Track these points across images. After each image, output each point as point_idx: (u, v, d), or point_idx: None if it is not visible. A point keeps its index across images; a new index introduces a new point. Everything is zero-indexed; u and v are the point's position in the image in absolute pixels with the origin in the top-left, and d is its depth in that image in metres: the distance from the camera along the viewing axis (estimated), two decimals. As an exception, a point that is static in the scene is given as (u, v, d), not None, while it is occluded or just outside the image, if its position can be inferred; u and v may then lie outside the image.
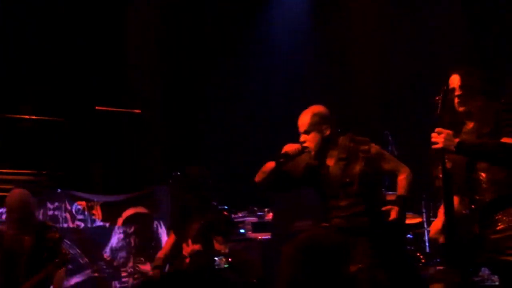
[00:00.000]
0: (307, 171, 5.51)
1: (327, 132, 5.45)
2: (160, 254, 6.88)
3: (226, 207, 7.56)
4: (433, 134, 4.34)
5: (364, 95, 9.68)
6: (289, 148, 5.41)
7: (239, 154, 9.96)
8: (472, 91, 4.58)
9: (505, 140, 4.29)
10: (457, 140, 4.30)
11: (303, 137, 5.46)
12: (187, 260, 6.57)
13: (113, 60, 10.34)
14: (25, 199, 6.52)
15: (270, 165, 5.44)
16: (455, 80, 4.66)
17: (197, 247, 6.55)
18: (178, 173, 7.27)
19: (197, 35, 10.85)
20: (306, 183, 5.63)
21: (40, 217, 8.23)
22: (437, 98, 4.46)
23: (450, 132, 4.32)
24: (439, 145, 4.32)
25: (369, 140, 5.50)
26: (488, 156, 4.35)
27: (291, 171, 5.51)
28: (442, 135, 4.31)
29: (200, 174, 6.92)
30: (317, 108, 5.54)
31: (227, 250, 6.75)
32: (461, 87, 4.61)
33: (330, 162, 5.46)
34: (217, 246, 6.67)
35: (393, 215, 5.27)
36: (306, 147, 5.43)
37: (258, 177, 5.52)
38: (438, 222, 4.68)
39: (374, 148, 5.46)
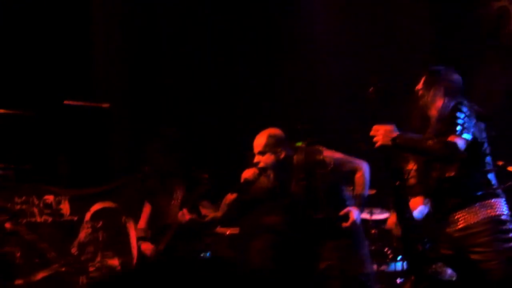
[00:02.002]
0: (268, 195, 5.58)
1: (282, 155, 5.50)
2: (141, 225, 6.88)
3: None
4: (372, 132, 4.38)
5: (333, 93, 9.71)
6: (247, 174, 5.47)
7: (207, 150, 9.95)
8: (431, 87, 4.64)
9: (451, 138, 4.33)
10: (394, 134, 4.34)
11: (257, 158, 5.52)
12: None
13: (81, 53, 10.27)
14: None
15: (231, 197, 5.51)
16: (421, 79, 4.73)
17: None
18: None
19: (165, 27, 10.81)
20: (269, 202, 5.70)
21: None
22: (370, 90, 4.50)
23: (388, 127, 4.36)
24: (379, 143, 4.36)
25: (321, 149, 5.54)
26: (425, 152, 4.40)
27: (252, 197, 5.58)
28: (380, 132, 4.35)
29: (177, 134, 6.90)
30: (274, 131, 5.60)
31: (217, 214, 6.71)
32: (423, 83, 4.67)
33: (290, 184, 5.52)
34: (204, 211, 6.61)
35: (352, 217, 5.31)
36: (262, 168, 5.48)
37: (221, 211, 5.60)
38: (394, 216, 4.75)
39: (328, 157, 5.50)
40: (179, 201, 6.67)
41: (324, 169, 5.42)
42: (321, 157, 5.47)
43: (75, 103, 8.22)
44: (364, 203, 5.46)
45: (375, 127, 4.38)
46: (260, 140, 5.54)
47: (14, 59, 9.76)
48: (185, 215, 6.36)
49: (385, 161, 4.43)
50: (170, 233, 6.57)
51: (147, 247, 6.69)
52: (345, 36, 9.57)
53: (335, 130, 8.48)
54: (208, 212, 6.63)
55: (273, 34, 10.29)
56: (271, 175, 5.51)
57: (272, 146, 5.51)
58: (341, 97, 9.43)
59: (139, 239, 6.84)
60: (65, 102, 8.18)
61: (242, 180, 5.49)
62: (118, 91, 10.25)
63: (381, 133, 4.35)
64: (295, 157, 5.53)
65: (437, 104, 4.64)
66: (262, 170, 5.49)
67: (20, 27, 9.86)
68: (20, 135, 9.10)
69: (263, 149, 5.51)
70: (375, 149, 4.38)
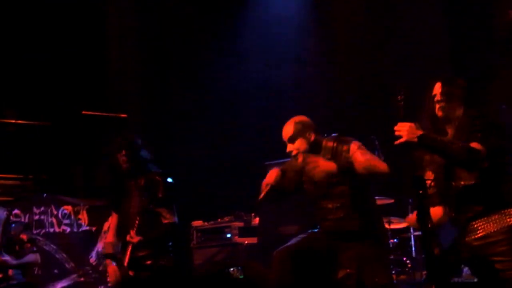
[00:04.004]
0: (298, 178, 5.59)
1: (312, 138, 5.52)
2: (109, 238, 6.75)
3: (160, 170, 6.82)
4: (396, 128, 4.37)
5: (349, 99, 9.70)
6: (268, 180, 5.47)
7: (226, 158, 9.96)
8: (452, 98, 4.63)
9: (473, 145, 4.33)
10: (420, 132, 4.33)
11: (289, 147, 5.53)
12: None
13: (99, 64, 10.33)
14: None
15: (267, 184, 5.50)
16: (437, 87, 4.71)
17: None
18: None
19: (181, 38, 10.85)
20: (300, 189, 5.70)
21: (26, 221, 8.23)
22: (398, 98, 4.49)
23: (412, 124, 4.36)
24: (403, 138, 4.35)
25: (352, 139, 5.53)
26: (449, 155, 4.38)
27: (286, 187, 5.60)
28: (405, 128, 4.34)
29: (134, 136, 6.80)
30: (299, 117, 5.63)
31: (175, 219, 6.57)
32: (441, 93, 4.66)
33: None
34: (164, 220, 6.53)
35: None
36: (294, 156, 5.49)
37: (261, 196, 5.59)
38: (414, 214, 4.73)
39: (354, 146, 5.49)
40: (136, 203, 6.55)
41: (347, 154, 5.41)
42: (347, 146, 5.47)
43: (92, 113, 8.26)
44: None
45: (400, 123, 4.37)
46: (288, 129, 5.58)
47: (32, 71, 9.82)
48: (133, 238, 6.34)
49: (410, 166, 4.43)
50: (129, 250, 6.45)
51: (112, 270, 6.53)
52: (361, 45, 9.57)
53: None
54: (169, 219, 6.53)
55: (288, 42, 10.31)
56: (301, 158, 5.52)
57: (300, 131, 5.53)
58: (358, 107, 9.42)
59: (106, 256, 6.68)
60: (83, 112, 8.23)
61: (264, 186, 5.49)
62: (135, 101, 10.29)
63: (406, 129, 4.34)
64: (324, 141, 5.54)
65: (456, 113, 4.63)
66: (294, 157, 5.52)
67: (38, 39, 9.93)
68: (38, 146, 9.14)
69: (293, 135, 5.53)
70: (398, 145, 4.36)
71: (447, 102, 4.65)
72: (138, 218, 6.39)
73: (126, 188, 6.61)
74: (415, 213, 4.71)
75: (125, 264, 6.38)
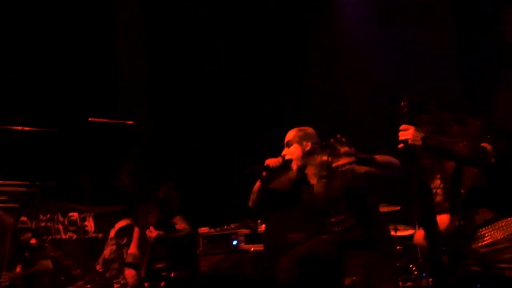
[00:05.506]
0: (293, 188, 5.58)
1: (308, 147, 5.51)
2: (131, 249, 6.83)
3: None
4: (400, 133, 4.36)
5: (354, 108, 9.69)
6: (270, 161, 5.47)
7: (232, 166, 9.95)
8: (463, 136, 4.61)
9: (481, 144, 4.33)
10: (423, 134, 4.32)
11: (285, 150, 5.54)
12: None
13: (106, 71, 10.33)
14: None
15: (257, 185, 5.52)
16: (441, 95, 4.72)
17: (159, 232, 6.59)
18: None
19: (189, 46, 10.86)
20: (294, 200, 5.68)
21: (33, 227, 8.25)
22: (402, 104, 4.49)
23: (415, 128, 4.35)
24: (408, 141, 4.34)
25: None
26: (455, 154, 4.36)
27: (278, 189, 5.58)
28: (409, 131, 4.34)
29: (138, 158, 6.91)
30: (305, 127, 5.63)
31: (188, 227, 6.66)
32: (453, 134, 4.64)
33: (313, 180, 5.52)
34: (178, 226, 6.61)
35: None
36: (287, 160, 5.49)
37: (250, 201, 5.61)
38: (421, 230, 4.73)
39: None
40: (154, 214, 6.67)
41: (342, 167, 5.38)
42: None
43: (99, 120, 8.27)
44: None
45: (403, 126, 4.36)
46: (290, 133, 5.60)
47: (39, 77, 9.83)
48: (152, 232, 6.43)
49: (414, 172, 4.42)
50: (145, 258, 6.54)
51: (130, 275, 6.62)
52: (370, 50, 9.55)
53: (360, 145, 8.45)
54: (182, 227, 6.62)
55: (298, 49, 10.31)
56: (295, 167, 5.52)
57: (299, 138, 5.54)
58: (366, 113, 9.41)
59: (125, 265, 6.77)
60: (90, 119, 8.24)
61: (264, 165, 5.50)
62: (142, 108, 10.29)
63: (411, 132, 4.34)
64: (320, 154, 5.53)
65: (452, 130, 4.63)
66: (287, 162, 5.50)
67: (45, 45, 9.94)
68: (45, 152, 9.15)
69: (291, 140, 5.54)
70: (403, 149, 4.35)
71: (441, 128, 4.64)
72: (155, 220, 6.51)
73: (146, 201, 6.72)
74: (421, 230, 4.72)
75: (142, 275, 6.46)
